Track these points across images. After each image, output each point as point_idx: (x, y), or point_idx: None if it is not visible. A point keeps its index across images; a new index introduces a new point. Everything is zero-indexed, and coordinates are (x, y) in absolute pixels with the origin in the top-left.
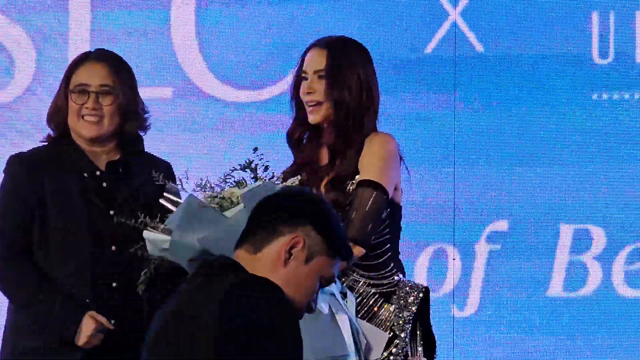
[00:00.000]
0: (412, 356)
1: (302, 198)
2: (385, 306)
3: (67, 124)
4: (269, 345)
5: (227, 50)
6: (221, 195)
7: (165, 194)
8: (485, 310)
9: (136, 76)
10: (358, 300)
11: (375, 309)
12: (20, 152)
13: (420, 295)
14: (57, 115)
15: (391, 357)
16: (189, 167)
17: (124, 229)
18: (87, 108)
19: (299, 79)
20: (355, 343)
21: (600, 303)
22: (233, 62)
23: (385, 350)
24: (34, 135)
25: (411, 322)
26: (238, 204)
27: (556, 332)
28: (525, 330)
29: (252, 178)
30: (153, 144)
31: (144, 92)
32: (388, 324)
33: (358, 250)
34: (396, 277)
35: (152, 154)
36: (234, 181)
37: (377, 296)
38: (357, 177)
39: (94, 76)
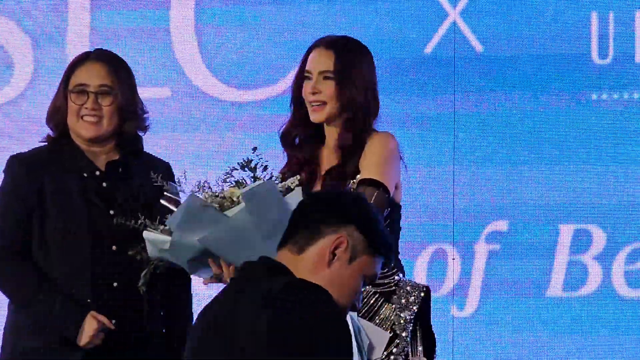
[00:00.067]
0: (412, 356)
1: (345, 198)
2: (386, 305)
3: (66, 124)
4: (320, 351)
5: (227, 50)
6: (222, 195)
7: (165, 194)
8: (484, 310)
9: (135, 76)
10: None
11: (376, 308)
12: (19, 153)
13: (422, 295)
14: (57, 116)
15: (392, 357)
16: (188, 167)
17: (124, 229)
18: (86, 108)
19: (301, 78)
20: (357, 342)
21: (600, 303)
22: (232, 62)
23: (385, 349)
24: (33, 135)
25: (412, 321)
26: (239, 203)
27: (556, 332)
28: (524, 330)
29: (251, 178)
30: (152, 144)
31: (143, 92)
32: (389, 323)
33: None
34: (396, 277)
35: (152, 154)
36: (234, 181)
37: (377, 295)
38: (357, 176)
39: (93, 76)
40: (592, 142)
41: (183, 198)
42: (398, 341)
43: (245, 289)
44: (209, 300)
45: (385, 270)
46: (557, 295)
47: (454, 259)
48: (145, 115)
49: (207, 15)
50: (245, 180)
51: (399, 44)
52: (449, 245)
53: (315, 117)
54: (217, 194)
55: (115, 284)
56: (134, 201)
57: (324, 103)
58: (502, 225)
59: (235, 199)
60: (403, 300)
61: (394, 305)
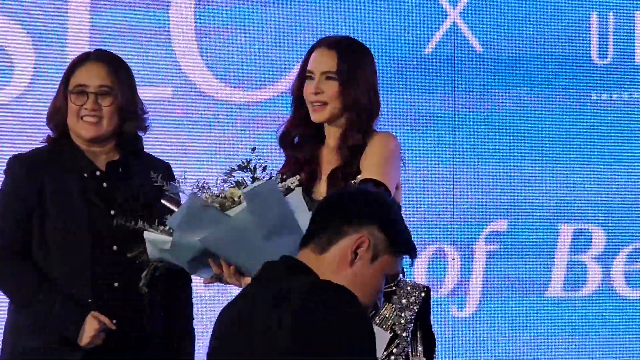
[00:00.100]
0: (412, 356)
1: (366, 197)
2: (386, 305)
3: (66, 124)
4: (344, 351)
5: (227, 50)
6: (223, 195)
7: (165, 194)
8: (484, 311)
9: (135, 76)
10: None
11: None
12: (20, 153)
13: (422, 295)
14: (57, 116)
15: (392, 357)
16: (188, 167)
17: (124, 229)
18: (86, 109)
19: (302, 78)
20: None
21: (600, 303)
22: (233, 62)
23: (385, 350)
24: (33, 135)
25: (413, 321)
26: (240, 203)
27: (555, 332)
28: (524, 331)
29: (250, 178)
30: (152, 144)
31: (143, 92)
32: (389, 323)
33: None
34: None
35: (152, 154)
36: (234, 181)
37: None
38: (358, 176)
39: (93, 77)
40: (592, 142)
41: (183, 198)
42: (398, 341)
43: (266, 288)
44: (208, 300)
45: None
46: (557, 295)
47: (453, 259)
48: (145, 115)
49: (207, 15)
50: (245, 181)
51: (399, 43)
52: (449, 245)
53: (316, 116)
54: (218, 194)
55: (116, 284)
56: (134, 201)
57: (325, 103)
58: (502, 225)
59: (236, 198)
60: (403, 300)
61: (394, 305)
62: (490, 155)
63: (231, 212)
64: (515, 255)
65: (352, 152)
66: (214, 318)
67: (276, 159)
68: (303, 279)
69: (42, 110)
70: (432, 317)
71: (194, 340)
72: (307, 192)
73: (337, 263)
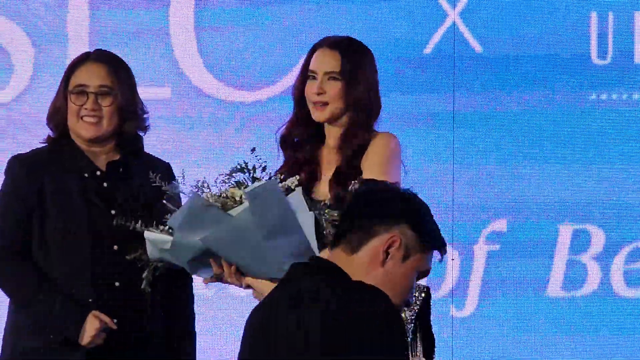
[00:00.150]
0: (412, 356)
1: (396, 197)
2: None
3: (66, 124)
4: (375, 350)
5: (227, 50)
6: (224, 195)
7: (166, 194)
8: (484, 310)
9: (135, 76)
10: None
11: None
12: (20, 153)
13: (422, 295)
14: (57, 116)
15: None
16: (188, 168)
17: (125, 229)
18: (86, 109)
19: (304, 78)
20: None
21: (600, 303)
22: (232, 62)
23: None
24: (33, 135)
25: (413, 322)
26: (242, 203)
27: (555, 332)
28: (524, 330)
29: (250, 178)
30: (152, 144)
31: (143, 92)
32: None
33: None
34: None
35: (152, 154)
36: (234, 182)
37: None
38: (359, 176)
39: (93, 77)
40: (591, 142)
41: (183, 198)
42: None
43: (295, 289)
44: (208, 300)
45: None
46: (557, 295)
47: (453, 259)
48: (145, 115)
49: (207, 15)
50: (245, 181)
51: (399, 43)
52: (448, 246)
53: (317, 116)
54: (219, 193)
55: (116, 284)
56: (134, 201)
57: (326, 103)
58: (501, 224)
59: (237, 198)
60: None
61: None
62: (490, 155)
63: (233, 212)
64: (515, 255)
65: (355, 151)
66: (214, 318)
67: (276, 159)
68: (331, 280)
69: (42, 110)
70: (431, 317)
71: (195, 339)
72: (307, 192)
73: (369, 263)
